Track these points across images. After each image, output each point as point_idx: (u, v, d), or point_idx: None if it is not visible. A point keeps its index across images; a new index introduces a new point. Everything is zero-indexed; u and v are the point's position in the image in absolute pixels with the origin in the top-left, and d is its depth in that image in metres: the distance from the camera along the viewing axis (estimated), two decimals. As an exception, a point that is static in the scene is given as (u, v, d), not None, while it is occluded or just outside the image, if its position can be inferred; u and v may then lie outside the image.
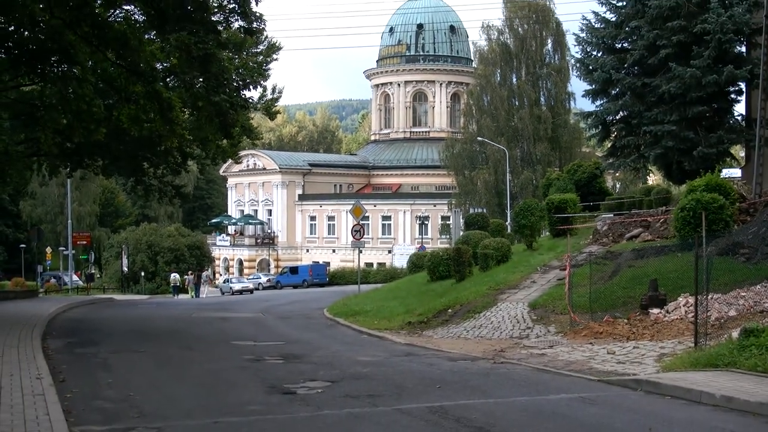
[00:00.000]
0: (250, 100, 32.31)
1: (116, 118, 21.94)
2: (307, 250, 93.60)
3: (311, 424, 10.63)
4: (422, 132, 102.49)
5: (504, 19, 71.34)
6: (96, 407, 11.72)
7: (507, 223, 46.64)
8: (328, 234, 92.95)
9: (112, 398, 12.49)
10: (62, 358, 17.18)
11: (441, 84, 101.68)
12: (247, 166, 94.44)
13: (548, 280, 25.88)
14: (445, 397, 12.42)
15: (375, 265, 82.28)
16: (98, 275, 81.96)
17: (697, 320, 15.36)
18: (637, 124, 35.13)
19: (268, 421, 10.86)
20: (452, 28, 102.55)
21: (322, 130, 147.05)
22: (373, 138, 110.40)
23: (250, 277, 78.19)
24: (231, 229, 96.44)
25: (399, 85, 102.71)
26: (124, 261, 69.23)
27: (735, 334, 14.88)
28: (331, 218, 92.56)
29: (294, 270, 75.38)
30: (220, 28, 22.50)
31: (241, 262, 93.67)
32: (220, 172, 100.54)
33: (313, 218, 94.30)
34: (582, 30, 37.99)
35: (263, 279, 74.19)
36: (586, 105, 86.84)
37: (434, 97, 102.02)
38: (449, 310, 24.80)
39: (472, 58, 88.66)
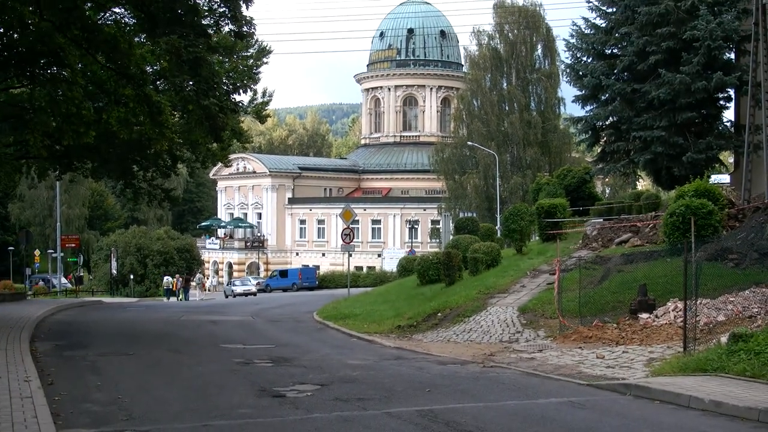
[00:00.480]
0: (240, 104, 32.32)
1: (106, 121, 21.93)
2: (297, 254, 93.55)
3: (301, 428, 10.61)
4: (412, 136, 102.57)
5: (494, 24, 71.54)
6: (84, 410, 11.69)
7: (497, 228, 46.69)
8: (318, 237, 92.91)
9: (100, 401, 12.45)
10: (51, 360, 17.12)
11: (431, 88, 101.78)
12: (237, 169, 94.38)
13: (538, 284, 25.92)
14: (435, 401, 12.43)
15: (365, 269, 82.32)
16: (90, 277, 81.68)
17: (686, 325, 15.40)
18: (626, 129, 35.26)
19: (258, 424, 10.85)
20: (443, 33, 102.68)
21: (313, 134, 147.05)
22: (363, 142, 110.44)
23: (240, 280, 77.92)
24: (221, 232, 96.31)
25: (389, 89, 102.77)
26: (113, 264, 69.04)
27: (724, 339, 14.93)
28: (320, 222, 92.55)
29: (284, 273, 75.38)
30: (210, 31, 22.51)
31: (230, 266, 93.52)
32: (210, 175, 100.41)
33: (303, 222, 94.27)
34: (572, 36, 38.17)
35: (253, 282, 74.11)
36: (575, 110, 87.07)
37: (424, 101, 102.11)
38: (439, 314, 24.81)
39: (463, 63, 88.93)
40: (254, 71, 33.15)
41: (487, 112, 68.68)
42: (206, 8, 22.68)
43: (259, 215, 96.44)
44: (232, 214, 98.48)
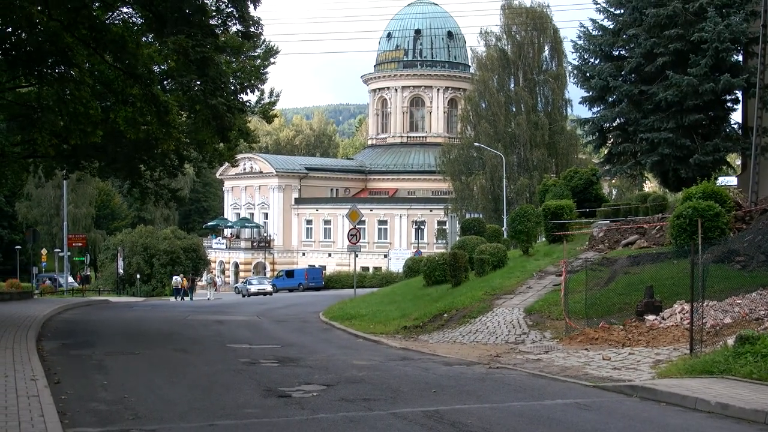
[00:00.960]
0: (248, 104, 32.31)
1: (113, 120, 21.98)
2: (303, 254, 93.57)
3: (306, 428, 10.61)
4: (419, 137, 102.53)
5: (502, 25, 71.54)
6: (91, 409, 11.70)
7: (503, 229, 46.65)
8: (325, 238, 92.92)
9: (107, 400, 12.47)
10: (57, 359, 17.16)
11: (438, 89, 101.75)
12: (244, 169, 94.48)
13: (544, 285, 25.90)
14: (441, 402, 12.42)
15: (371, 270, 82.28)
16: (96, 276, 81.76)
17: (693, 327, 15.37)
18: (633, 131, 35.23)
19: (264, 424, 10.85)
20: (450, 34, 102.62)
21: (319, 134, 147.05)
22: (370, 142, 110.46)
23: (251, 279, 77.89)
24: (227, 232, 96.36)
25: (396, 90, 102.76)
26: (120, 263, 69.10)
27: (730, 341, 14.89)
28: (327, 222, 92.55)
29: (290, 273, 75.42)
30: (217, 31, 22.50)
31: (237, 266, 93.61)
32: (217, 175, 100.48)
33: (309, 222, 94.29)
34: (579, 37, 38.13)
35: (268, 281, 74.20)
36: (583, 112, 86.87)
37: (431, 102, 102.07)
38: (445, 315, 24.80)
39: (470, 64, 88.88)
40: (261, 71, 33.14)
41: (494, 113, 68.63)
42: (214, 8, 22.66)
43: (266, 215, 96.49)
44: (238, 214, 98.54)
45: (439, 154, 77.41)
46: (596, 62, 37.46)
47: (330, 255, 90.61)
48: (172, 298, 60.31)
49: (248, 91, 31.35)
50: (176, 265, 70.89)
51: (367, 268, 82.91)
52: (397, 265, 70.78)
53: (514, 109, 69.93)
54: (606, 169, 40.09)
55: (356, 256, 43.04)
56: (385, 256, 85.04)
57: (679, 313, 19.01)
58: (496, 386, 14.14)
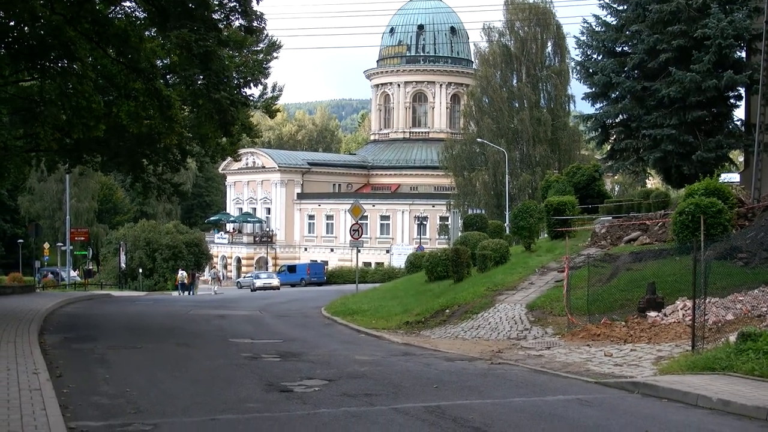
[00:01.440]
0: (251, 98, 32.28)
1: (116, 114, 21.95)
2: (306, 249, 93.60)
3: (308, 423, 10.62)
4: (422, 132, 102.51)
5: (505, 21, 71.51)
6: (93, 403, 11.71)
7: (505, 225, 46.64)
8: (327, 233, 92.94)
9: (109, 394, 12.48)
10: (59, 353, 17.17)
11: (441, 85, 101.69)
12: (246, 164, 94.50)
13: (546, 281, 25.89)
14: (442, 397, 12.42)
15: (373, 265, 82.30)
16: (97, 270, 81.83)
17: (695, 324, 15.36)
18: (636, 127, 35.19)
19: (265, 418, 10.86)
20: (453, 30, 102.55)
21: (322, 130, 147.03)
22: (372, 138, 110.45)
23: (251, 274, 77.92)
24: (229, 226, 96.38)
25: (399, 85, 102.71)
26: (122, 257, 69.14)
27: (732, 338, 14.89)
28: (329, 217, 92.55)
29: (292, 268, 75.44)
30: (220, 26, 22.47)
31: (239, 260, 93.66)
32: (219, 169, 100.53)
33: (311, 217, 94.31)
34: (582, 33, 38.08)
35: (275, 275, 74.19)
36: (585, 108, 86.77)
37: (434, 97, 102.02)
38: (447, 311, 24.80)
39: (473, 60, 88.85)
40: (264, 66, 33.11)
41: (497, 109, 68.64)
42: (217, 3, 22.64)
43: (268, 210, 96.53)
44: (241, 209, 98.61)
45: (442, 150, 77.43)
46: (599, 58, 37.41)
47: (332, 250, 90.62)
48: (175, 293, 60.32)
49: (251, 85, 31.29)
50: (178, 260, 70.90)
51: (370, 264, 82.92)
52: (399, 261, 70.85)
53: (516, 105, 69.93)
54: (608, 165, 40.07)
55: (358, 251, 43.04)
56: (388, 251, 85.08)
57: (681, 309, 19.01)
58: (498, 382, 14.14)
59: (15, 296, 39.03)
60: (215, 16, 21.83)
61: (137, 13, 23.22)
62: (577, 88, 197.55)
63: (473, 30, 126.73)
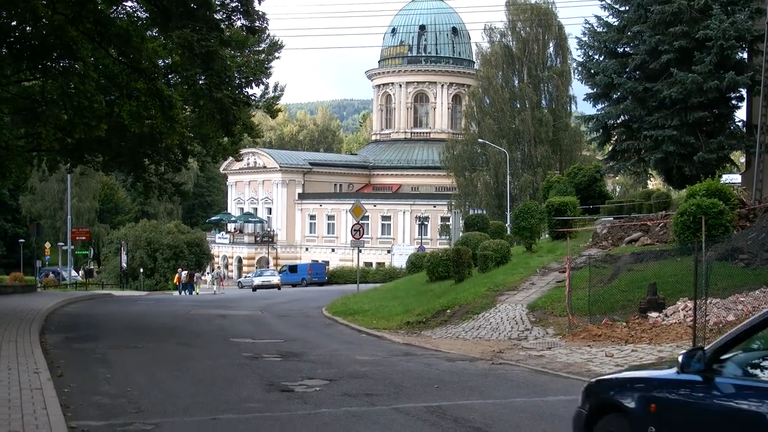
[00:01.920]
0: (252, 98, 32.31)
1: (117, 114, 21.97)
2: (307, 249, 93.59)
3: (309, 422, 10.62)
4: (423, 133, 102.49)
5: (506, 21, 71.55)
6: (94, 402, 11.72)
7: (507, 225, 46.66)
8: (328, 233, 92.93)
9: (110, 393, 12.48)
10: (60, 353, 17.18)
11: (442, 85, 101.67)
12: (248, 164, 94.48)
13: (547, 282, 25.89)
14: (443, 397, 12.42)
15: (374, 265, 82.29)
16: (97, 270, 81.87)
17: (696, 324, 15.37)
18: (637, 128, 35.17)
19: (266, 418, 10.86)
20: (454, 30, 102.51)
21: (323, 130, 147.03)
22: (373, 138, 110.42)
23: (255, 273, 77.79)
24: (230, 226, 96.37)
25: (400, 85, 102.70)
26: (123, 257, 69.18)
27: (733, 338, 14.85)
28: (330, 217, 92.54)
29: (293, 268, 75.38)
30: (222, 26, 22.50)
31: (240, 260, 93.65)
32: (221, 169, 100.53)
33: (312, 217, 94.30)
34: (584, 34, 38.06)
35: (274, 273, 74.18)
36: (587, 108, 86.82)
37: (435, 98, 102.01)
38: (448, 311, 24.80)
39: (474, 60, 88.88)
40: (265, 66, 33.14)
41: (499, 109, 68.65)
42: (219, 2, 22.67)
43: (269, 210, 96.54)
44: (242, 209, 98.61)
45: (443, 150, 77.41)
46: (601, 59, 37.38)
47: (333, 250, 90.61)
48: (175, 293, 60.35)
49: (252, 85, 31.32)
50: (180, 260, 70.97)
51: (371, 264, 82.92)
52: (400, 261, 70.86)
53: (518, 106, 69.93)
54: (610, 166, 40.05)
55: (359, 251, 43.05)
56: (389, 251, 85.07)
57: (682, 310, 19.00)
58: (499, 382, 14.15)
59: (16, 296, 39.06)
60: (217, 16, 21.87)
61: (139, 13, 23.27)
62: (579, 88, 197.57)
63: (475, 31, 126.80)
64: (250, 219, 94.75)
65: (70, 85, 20.65)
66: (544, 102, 71.06)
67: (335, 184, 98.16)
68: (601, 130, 38.72)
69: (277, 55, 34.33)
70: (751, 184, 29.42)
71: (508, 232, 42.80)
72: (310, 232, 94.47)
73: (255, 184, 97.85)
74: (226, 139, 30.72)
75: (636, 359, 15.89)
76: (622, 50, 36.98)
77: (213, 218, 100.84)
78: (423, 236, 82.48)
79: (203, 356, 17.54)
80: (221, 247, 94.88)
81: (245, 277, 77.69)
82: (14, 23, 21.09)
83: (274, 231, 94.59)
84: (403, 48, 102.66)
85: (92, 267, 77.95)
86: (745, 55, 34.18)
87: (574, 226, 33.81)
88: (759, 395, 5.80)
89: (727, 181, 28.23)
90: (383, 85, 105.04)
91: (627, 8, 36.22)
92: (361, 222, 43.18)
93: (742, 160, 41.01)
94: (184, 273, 62.75)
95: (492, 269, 30.23)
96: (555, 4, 71.65)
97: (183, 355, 17.68)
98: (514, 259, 31.86)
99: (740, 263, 20.60)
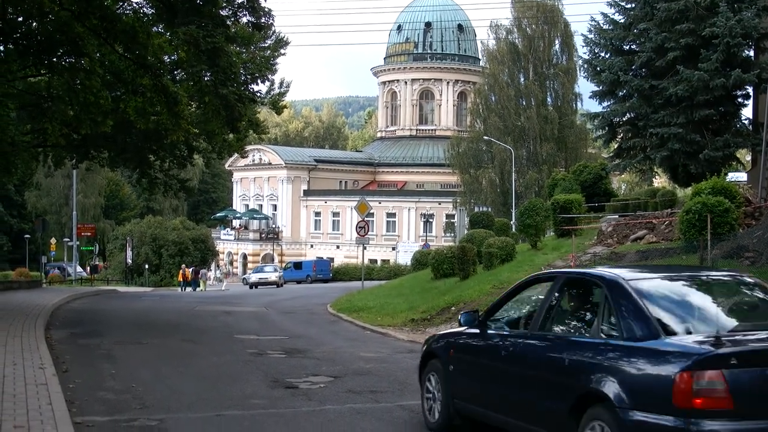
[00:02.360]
0: (258, 94, 32.33)
1: (123, 110, 22.02)
2: (312, 246, 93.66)
3: (313, 419, 10.62)
4: (428, 130, 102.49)
5: (512, 18, 71.47)
6: (99, 398, 11.73)
7: (512, 223, 46.59)
8: (333, 230, 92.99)
9: (115, 389, 12.50)
10: (65, 348, 17.20)
11: (448, 82, 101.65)
12: (253, 160, 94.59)
13: (552, 280, 25.78)
14: (447, 395, 12.40)
15: (379, 262, 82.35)
16: (103, 266, 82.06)
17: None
18: (643, 126, 35.10)
19: (271, 415, 10.86)
20: (460, 27, 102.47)
21: (329, 126, 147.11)
22: (379, 135, 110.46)
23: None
24: (235, 223, 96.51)
25: (406, 82, 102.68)
26: (129, 253, 69.30)
27: (738, 337, 14.82)
28: (335, 214, 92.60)
29: (298, 265, 75.44)
30: (228, 22, 22.50)
31: (245, 257, 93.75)
32: (226, 166, 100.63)
33: (317, 214, 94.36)
34: (590, 31, 38.00)
35: (272, 270, 74.19)
36: (593, 106, 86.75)
37: (441, 95, 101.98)
38: (453, 308, 24.77)
39: (480, 57, 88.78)
40: (271, 62, 33.17)
41: (504, 106, 68.57)
42: (225, -1, 22.69)
43: (275, 207, 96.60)
44: (247, 206, 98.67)
45: (448, 147, 77.33)
46: (607, 56, 37.31)
47: (338, 247, 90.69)
48: (179, 289, 60.42)
49: (258, 82, 31.35)
50: (185, 256, 71.08)
51: (376, 261, 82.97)
52: (405, 258, 70.84)
53: (524, 103, 69.82)
54: (615, 163, 39.97)
55: (364, 248, 43.02)
56: (394, 248, 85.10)
57: (687, 308, 18.92)
58: (503, 380, 14.11)
59: (22, 291, 39.15)
60: (223, 13, 21.86)
61: (145, 9, 23.29)
62: (585, 86, 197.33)
63: (480, 27, 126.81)
64: (255, 216, 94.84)
65: (76, 81, 20.69)
66: (549, 99, 70.99)
67: (340, 181, 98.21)
68: (606, 128, 38.64)
69: (282, 51, 34.42)
70: (757, 182, 29.33)
71: (513, 230, 42.73)
72: (315, 229, 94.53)
73: (260, 181, 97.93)
74: (231, 135, 30.75)
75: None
76: (628, 48, 36.91)
77: (218, 215, 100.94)
78: (428, 233, 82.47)
79: (208, 352, 17.55)
80: (226, 243, 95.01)
81: (250, 273, 77.86)
82: (20, 19, 21.13)
83: (279, 228, 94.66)
84: (409, 45, 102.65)
85: (97, 263, 78.08)
86: (752, 53, 34.07)
87: (579, 223, 33.72)
88: (506, 339, 8.72)
89: (732, 179, 28.19)
90: (389, 82, 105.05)
91: (633, 5, 36.14)
92: (366, 219, 43.21)
93: (748, 158, 40.89)
94: (191, 269, 62.85)
95: (497, 267, 30.17)
96: (561, 1, 71.56)
97: (188, 352, 17.69)
98: (519, 256, 31.78)
99: (746, 261, 20.54)
